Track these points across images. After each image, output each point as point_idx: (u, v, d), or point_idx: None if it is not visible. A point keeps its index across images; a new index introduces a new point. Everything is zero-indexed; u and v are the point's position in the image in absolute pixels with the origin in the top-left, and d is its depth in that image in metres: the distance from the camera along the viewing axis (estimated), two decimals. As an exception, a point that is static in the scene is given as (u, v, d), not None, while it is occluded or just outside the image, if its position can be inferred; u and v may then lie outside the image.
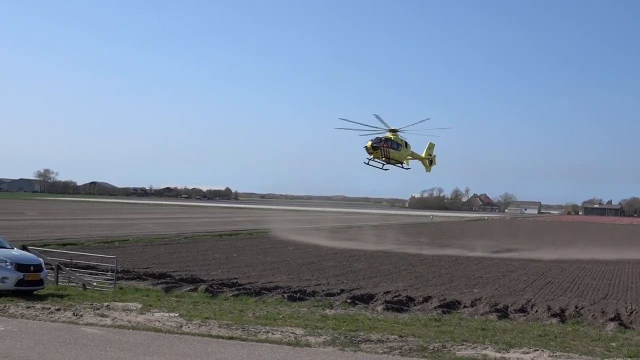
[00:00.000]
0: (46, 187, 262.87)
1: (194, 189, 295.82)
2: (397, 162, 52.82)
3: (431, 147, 56.80)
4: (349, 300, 23.42)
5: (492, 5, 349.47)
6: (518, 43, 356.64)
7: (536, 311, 23.08)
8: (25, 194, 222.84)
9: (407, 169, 54.13)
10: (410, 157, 54.29)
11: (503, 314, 22.11)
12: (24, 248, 24.29)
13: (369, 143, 51.49)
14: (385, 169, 52.45)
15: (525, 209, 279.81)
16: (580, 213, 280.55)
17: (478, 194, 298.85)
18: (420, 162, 56.12)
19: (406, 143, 52.89)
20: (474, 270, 38.35)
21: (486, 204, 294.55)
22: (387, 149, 51.30)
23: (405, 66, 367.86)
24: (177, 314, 17.94)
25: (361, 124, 50.20)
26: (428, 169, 56.84)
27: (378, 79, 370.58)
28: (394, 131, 52.00)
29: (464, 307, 23.92)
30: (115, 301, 19.99)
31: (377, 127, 51.54)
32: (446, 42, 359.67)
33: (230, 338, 15.14)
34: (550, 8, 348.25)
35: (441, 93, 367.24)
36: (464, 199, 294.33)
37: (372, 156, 51.49)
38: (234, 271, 32.94)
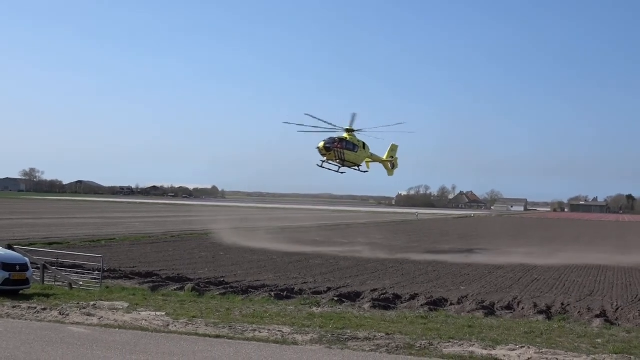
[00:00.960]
0: (32, 186, 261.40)
1: (180, 187, 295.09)
2: (354, 164, 50.05)
3: (394, 149, 54.30)
4: (336, 298, 23.44)
5: (487, 3, 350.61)
6: (507, 40, 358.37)
7: (522, 308, 23.19)
8: (10, 193, 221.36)
9: (364, 171, 51.65)
10: (370, 160, 51.78)
11: (489, 311, 22.21)
12: (9, 247, 24.11)
13: (322, 144, 48.52)
14: (342, 172, 50.12)
15: (512, 206, 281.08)
16: (566, 210, 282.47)
17: (465, 192, 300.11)
18: (381, 164, 53.89)
19: (364, 144, 50.25)
20: (461, 268, 38.48)
21: (473, 201, 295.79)
22: (342, 150, 48.46)
23: (391, 61, 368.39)
24: (163, 313, 17.90)
25: (323, 120, 47.73)
26: (390, 172, 54.42)
27: (368, 77, 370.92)
28: (350, 131, 49.26)
29: (451, 304, 23.99)
30: (102, 300, 19.92)
31: (334, 126, 48.80)
32: (431, 37, 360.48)
33: (217, 337, 15.13)
34: (542, 4, 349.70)
35: (427, 89, 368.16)
36: (451, 197, 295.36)
37: (325, 158, 48.80)
38: (220, 270, 32.90)
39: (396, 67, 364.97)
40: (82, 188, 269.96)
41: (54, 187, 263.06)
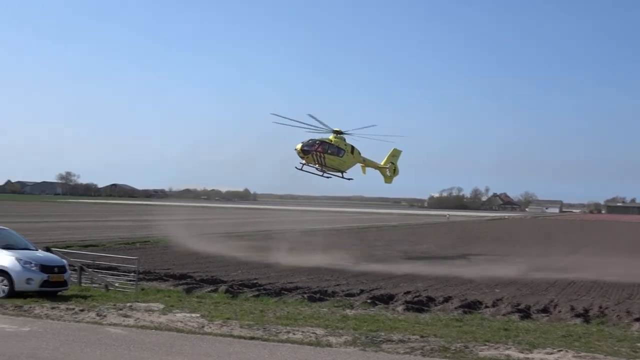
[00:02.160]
0: (68, 189, 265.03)
1: (213, 190, 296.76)
2: (337, 170, 45.95)
3: (395, 154, 49.62)
4: (369, 301, 23.41)
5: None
6: (558, 33, 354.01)
7: (559, 311, 22.92)
8: (47, 197, 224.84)
9: (348, 179, 46.99)
10: (362, 164, 47.44)
11: (525, 314, 21.99)
12: (47, 250, 24.52)
13: (299, 145, 44.91)
14: (327, 176, 46.14)
15: (547, 208, 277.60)
16: (603, 212, 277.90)
17: (498, 193, 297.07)
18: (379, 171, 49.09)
19: (352, 148, 46.12)
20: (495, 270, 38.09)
21: (506, 203, 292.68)
22: (322, 154, 44.64)
23: (417, 62, 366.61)
24: (198, 315, 18.04)
25: (296, 120, 43.78)
26: (387, 179, 49.59)
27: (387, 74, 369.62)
28: (338, 133, 45.49)
29: (486, 307, 23.81)
30: (138, 302, 20.15)
31: (317, 127, 44.69)
32: (456, 42, 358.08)
33: (252, 338, 15.21)
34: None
35: (454, 91, 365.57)
36: (484, 199, 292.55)
37: (304, 161, 45.15)
38: (253, 272, 33.03)
39: (424, 68, 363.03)
40: (116, 191, 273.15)
41: (89, 191, 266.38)
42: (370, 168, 48.68)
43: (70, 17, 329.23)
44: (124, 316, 17.45)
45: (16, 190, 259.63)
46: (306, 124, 44.18)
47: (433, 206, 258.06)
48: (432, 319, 19.46)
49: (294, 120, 43.62)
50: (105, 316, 17.37)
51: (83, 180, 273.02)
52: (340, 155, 45.41)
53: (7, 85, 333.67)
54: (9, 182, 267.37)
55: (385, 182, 49.64)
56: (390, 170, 49.15)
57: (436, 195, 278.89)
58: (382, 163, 48.93)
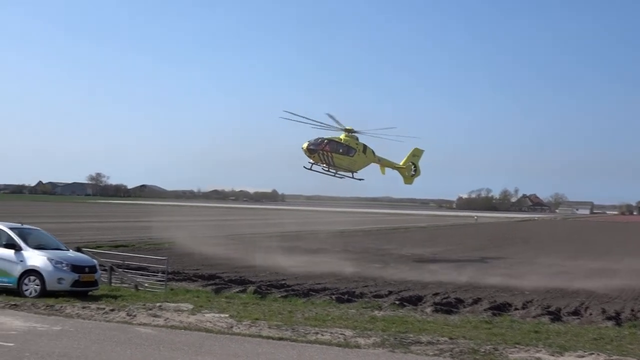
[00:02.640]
0: (98, 190, 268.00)
1: (241, 191, 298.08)
2: (347, 170, 44.35)
3: (417, 154, 47.66)
4: (397, 302, 23.35)
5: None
6: (584, 34, 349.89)
7: (590, 314, 22.65)
8: (78, 198, 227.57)
9: (359, 179, 45.38)
10: (378, 164, 45.90)
11: (556, 316, 21.77)
12: (78, 250, 24.81)
13: (305, 144, 43.40)
14: (339, 176, 44.74)
15: (577, 209, 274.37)
16: (634, 213, 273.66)
17: (527, 194, 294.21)
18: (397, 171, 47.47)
19: (365, 147, 44.48)
20: (524, 273, 37.71)
21: (536, 204, 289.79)
22: (330, 153, 43.10)
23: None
24: (227, 315, 18.12)
25: (307, 118, 42.33)
26: (407, 180, 47.55)
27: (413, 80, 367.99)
28: (350, 131, 43.98)
29: (515, 309, 23.61)
30: (167, 302, 20.29)
31: (328, 125, 43.37)
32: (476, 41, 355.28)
33: (280, 339, 15.23)
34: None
35: (480, 91, 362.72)
36: (513, 200, 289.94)
37: (312, 160, 43.68)
38: (281, 273, 33.08)
39: (444, 69, 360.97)
40: (145, 192, 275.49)
41: (119, 191, 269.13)
42: (389, 168, 47.20)
43: (112, 17, 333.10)
44: (154, 316, 17.58)
45: (47, 191, 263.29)
46: (316, 122, 42.80)
47: (461, 207, 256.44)
48: (461, 321, 19.33)
49: (305, 118, 42.36)
50: (135, 316, 17.52)
51: (113, 181, 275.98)
52: (351, 154, 43.89)
53: (38, 87, 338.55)
54: (40, 183, 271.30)
55: (405, 182, 47.67)
56: (409, 170, 47.33)
57: (465, 196, 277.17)
58: (401, 163, 47.18)
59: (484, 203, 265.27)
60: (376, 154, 45.97)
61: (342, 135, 44.17)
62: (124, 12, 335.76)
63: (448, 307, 23.02)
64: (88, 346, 13.68)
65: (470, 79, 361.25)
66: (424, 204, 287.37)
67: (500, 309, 23.18)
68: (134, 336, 15.02)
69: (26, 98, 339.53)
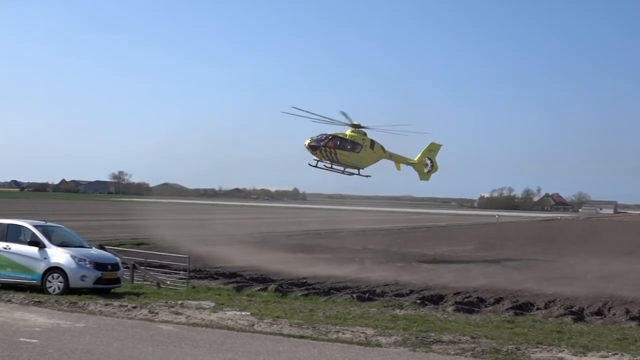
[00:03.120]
0: (120, 188, 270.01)
1: (262, 189, 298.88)
2: (353, 167, 43.23)
3: (433, 149, 46.02)
4: (418, 301, 23.29)
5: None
6: (607, 32, 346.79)
7: (614, 314, 22.43)
8: (100, 196, 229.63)
9: (365, 176, 44.34)
10: (389, 159, 44.61)
11: (579, 316, 21.60)
12: (101, 247, 25.06)
13: (307, 141, 42.53)
14: (347, 173, 43.72)
15: (601, 209, 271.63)
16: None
17: (550, 194, 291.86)
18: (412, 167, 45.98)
19: (372, 143, 43.22)
20: (549, 271, 37.45)
21: (559, 203, 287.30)
22: (333, 150, 42.00)
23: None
24: (248, 313, 18.18)
25: (312, 113, 41.28)
26: (423, 176, 46.04)
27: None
28: (356, 127, 42.82)
29: (537, 309, 23.46)
30: (189, 299, 20.41)
31: (333, 120, 42.30)
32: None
33: (302, 337, 15.25)
34: None
35: (503, 91, 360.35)
36: (536, 199, 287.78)
37: (317, 157, 42.75)
38: (302, 271, 33.11)
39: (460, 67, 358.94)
40: (167, 190, 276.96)
41: (141, 190, 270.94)
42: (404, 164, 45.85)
43: (128, 11, 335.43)
44: (176, 314, 17.69)
45: (70, 189, 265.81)
46: (321, 117, 41.79)
47: (483, 206, 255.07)
48: (483, 320, 19.22)
49: (310, 113, 41.36)
50: (157, 313, 17.64)
51: (135, 179, 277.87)
52: (357, 150, 42.56)
53: (62, 85, 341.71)
54: (63, 181, 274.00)
55: (421, 179, 46.08)
56: (422, 166, 45.71)
57: (486, 195, 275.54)
58: (416, 158, 45.77)
59: (506, 202, 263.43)
60: (387, 150, 44.75)
61: (349, 131, 43.04)
62: (140, 8, 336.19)
63: (470, 306, 22.93)
64: (110, 343, 13.79)
65: (493, 77, 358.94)
66: (445, 202, 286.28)
67: (522, 308, 23.05)
68: (156, 333, 15.12)
69: (50, 97, 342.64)
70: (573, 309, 22.90)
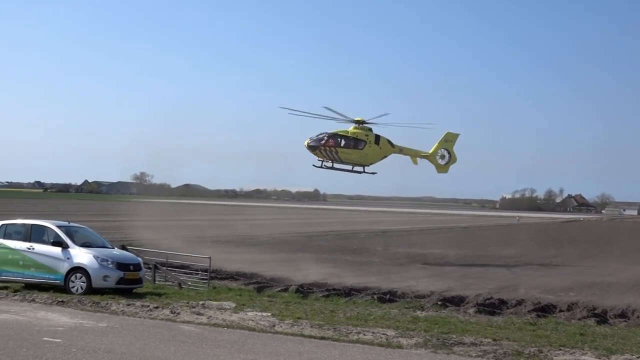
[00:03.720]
0: (142, 189, 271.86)
1: (283, 190, 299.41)
2: (358, 164, 41.71)
3: (450, 139, 43.52)
4: (439, 302, 23.16)
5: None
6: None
7: (638, 317, 22.12)
8: (122, 196, 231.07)
9: (371, 174, 42.70)
10: (399, 153, 42.56)
11: (602, 319, 21.34)
12: (123, 248, 25.23)
13: (307, 141, 41.33)
14: (357, 172, 42.21)
15: (624, 210, 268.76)
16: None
17: (573, 195, 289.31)
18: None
19: (377, 138, 41.45)
20: (571, 275, 37.13)
21: (582, 204, 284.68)
22: (334, 148, 40.71)
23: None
24: (269, 314, 18.22)
25: (310, 112, 40.22)
26: (440, 168, 43.60)
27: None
28: (360, 123, 41.28)
29: (560, 311, 23.21)
30: (210, 300, 20.50)
31: (333, 117, 40.75)
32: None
33: (322, 338, 15.26)
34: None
35: (527, 91, 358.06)
36: (558, 200, 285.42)
37: (319, 157, 41.46)
38: (324, 272, 33.07)
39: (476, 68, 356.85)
40: (189, 191, 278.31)
41: (162, 190, 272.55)
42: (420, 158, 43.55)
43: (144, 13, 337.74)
44: (197, 314, 17.78)
45: (93, 189, 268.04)
46: (321, 116, 40.45)
47: (505, 207, 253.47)
48: (505, 322, 19.11)
49: (308, 113, 40.37)
50: (178, 314, 17.74)
51: (157, 180, 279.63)
52: (360, 147, 40.99)
53: (85, 87, 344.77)
54: (86, 182, 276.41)
55: (438, 171, 43.62)
56: (437, 158, 43.20)
57: (508, 196, 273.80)
58: (431, 150, 43.46)
59: (528, 203, 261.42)
60: (396, 144, 42.76)
61: (351, 128, 41.58)
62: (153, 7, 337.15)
63: (491, 308, 22.76)
64: (133, 343, 13.89)
65: (516, 79, 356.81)
66: (466, 203, 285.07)
67: (544, 310, 22.82)
68: (178, 333, 15.20)
69: (72, 98, 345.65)
70: (596, 311, 22.65)
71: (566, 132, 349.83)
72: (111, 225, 60.89)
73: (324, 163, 41.88)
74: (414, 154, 43.33)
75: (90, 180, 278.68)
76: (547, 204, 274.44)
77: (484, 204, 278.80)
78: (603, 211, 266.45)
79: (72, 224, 23.58)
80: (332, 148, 40.82)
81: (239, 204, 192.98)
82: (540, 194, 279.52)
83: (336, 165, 42.16)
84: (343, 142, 41.08)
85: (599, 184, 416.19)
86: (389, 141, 42.37)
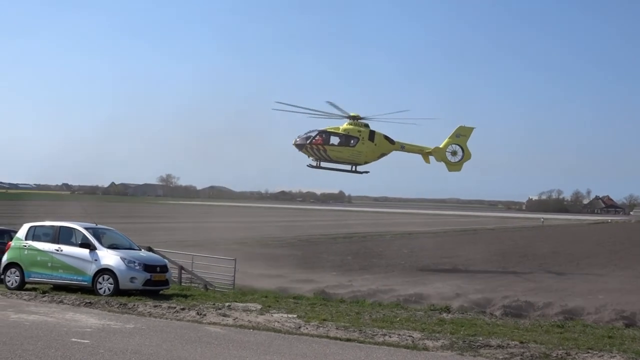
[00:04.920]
0: (168, 191, 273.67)
1: (308, 192, 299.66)
2: (350, 162, 39.32)
3: (463, 133, 39.88)
4: (466, 304, 23.05)
5: None
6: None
7: (667, 319, 21.85)
8: (149, 198, 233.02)
9: (363, 172, 40.21)
10: (400, 150, 39.94)
11: (631, 321, 21.10)
12: (150, 249, 25.42)
13: (295, 140, 39.37)
14: (355, 172, 39.99)
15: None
16: None
17: (600, 196, 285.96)
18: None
19: (372, 134, 38.78)
20: (597, 276, 36.74)
21: (609, 206, 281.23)
22: (322, 146, 38.32)
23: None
24: (295, 315, 18.23)
25: (299, 106, 38.17)
26: (451, 166, 40.11)
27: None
28: (355, 118, 38.95)
29: (588, 313, 23.00)
30: (236, 302, 20.57)
31: (325, 112, 38.52)
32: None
33: (348, 340, 15.23)
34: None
35: (550, 93, 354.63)
36: (585, 201, 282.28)
37: (309, 156, 39.38)
38: (349, 273, 33.10)
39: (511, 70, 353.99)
40: (214, 193, 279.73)
41: (188, 192, 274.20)
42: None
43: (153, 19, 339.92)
44: (223, 315, 17.85)
45: (119, 192, 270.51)
46: (310, 110, 38.26)
47: (531, 209, 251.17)
48: (532, 325, 18.92)
49: (298, 107, 38.17)
50: (205, 315, 17.82)
51: (183, 182, 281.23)
52: (352, 144, 38.51)
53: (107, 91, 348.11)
54: (113, 184, 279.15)
55: (449, 169, 40.20)
56: (445, 153, 39.91)
57: (535, 198, 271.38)
58: (441, 145, 40.04)
59: (555, 205, 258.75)
60: (397, 141, 40.30)
61: (345, 124, 39.19)
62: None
63: (518, 310, 22.62)
64: (159, 344, 13.99)
65: (549, 80, 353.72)
66: (492, 205, 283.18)
67: (572, 313, 22.64)
68: (204, 335, 15.28)
69: (96, 100, 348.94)
70: (625, 314, 22.38)
71: (595, 134, 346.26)
72: (138, 227, 61.37)
73: (320, 162, 39.77)
74: (419, 151, 40.52)
75: (117, 183, 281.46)
76: (574, 205, 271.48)
77: (509, 206, 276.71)
78: (631, 212, 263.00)
79: (99, 226, 23.78)
80: (319, 146, 38.56)
81: (265, 205, 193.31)
82: (567, 195, 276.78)
83: (324, 164, 39.82)
84: (332, 139, 38.82)
85: (626, 185, 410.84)
86: (386, 137, 39.79)
